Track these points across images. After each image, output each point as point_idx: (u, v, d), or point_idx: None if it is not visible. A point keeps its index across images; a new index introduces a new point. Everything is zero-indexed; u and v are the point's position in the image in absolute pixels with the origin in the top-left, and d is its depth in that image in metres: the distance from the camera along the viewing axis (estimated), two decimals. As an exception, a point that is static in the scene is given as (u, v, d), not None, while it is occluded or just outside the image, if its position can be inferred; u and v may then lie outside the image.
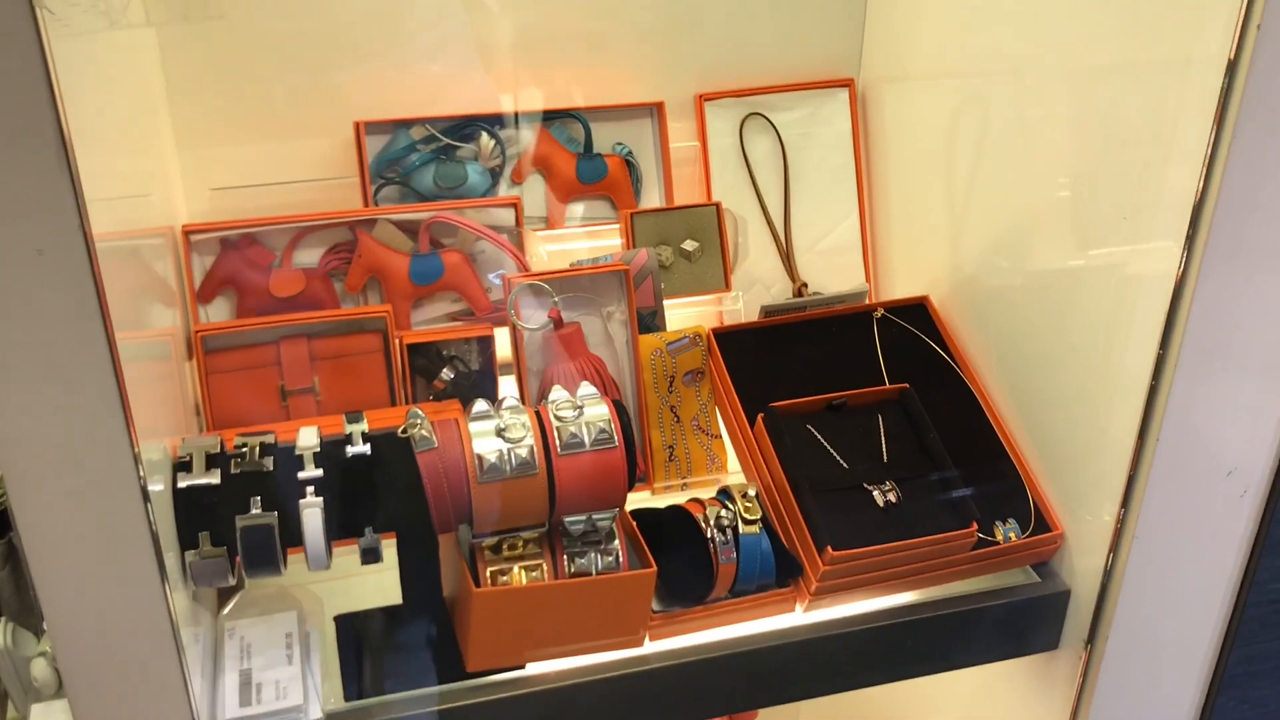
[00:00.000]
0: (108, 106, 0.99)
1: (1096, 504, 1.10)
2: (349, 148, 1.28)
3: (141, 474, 0.76)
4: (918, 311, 1.30)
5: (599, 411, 0.97)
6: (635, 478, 0.99)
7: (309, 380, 1.16)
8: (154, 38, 1.18)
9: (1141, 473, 1.05)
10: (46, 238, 0.67)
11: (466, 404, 1.15)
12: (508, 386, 1.20)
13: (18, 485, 0.75)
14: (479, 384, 1.20)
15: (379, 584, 1.04)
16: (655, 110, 1.37)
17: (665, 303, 1.28)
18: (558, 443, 0.95)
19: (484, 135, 1.31)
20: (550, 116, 1.34)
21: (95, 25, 0.76)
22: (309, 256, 1.24)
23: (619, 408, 0.98)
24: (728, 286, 1.34)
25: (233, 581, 0.93)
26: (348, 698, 1.00)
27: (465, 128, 1.31)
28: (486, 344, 1.20)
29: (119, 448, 0.74)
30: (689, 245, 1.32)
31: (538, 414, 0.97)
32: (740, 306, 1.35)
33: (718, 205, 1.33)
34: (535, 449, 0.94)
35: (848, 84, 1.44)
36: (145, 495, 0.77)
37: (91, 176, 0.87)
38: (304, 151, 1.30)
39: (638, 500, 1.19)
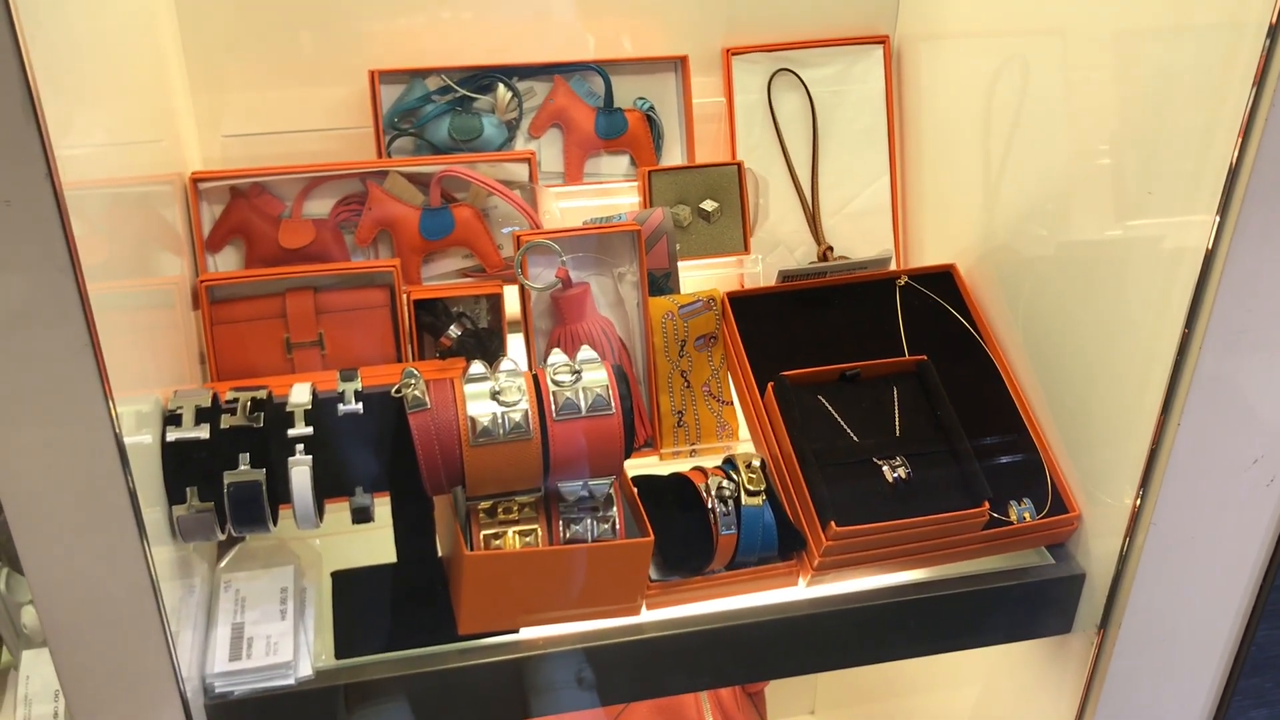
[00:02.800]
0: (114, 52, 0.98)
1: (1116, 486, 1.06)
2: (364, 97, 1.26)
3: (117, 429, 0.75)
4: (943, 280, 1.26)
5: (597, 377, 0.95)
6: (633, 445, 0.96)
7: (314, 334, 1.14)
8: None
9: (1162, 455, 1.01)
10: (13, 189, 0.65)
11: (472, 362, 1.13)
12: (516, 345, 1.18)
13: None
14: (487, 342, 1.18)
15: (384, 538, 1.03)
16: (679, 64, 1.33)
17: (682, 264, 1.25)
18: (553, 408, 0.93)
19: (501, 87, 1.28)
20: (570, 69, 1.31)
21: None
22: (320, 207, 1.22)
23: (619, 373, 0.96)
24: (747, 249, 1.30)
25: (222, 537, 0.93)
26: (339, 655, 0.99)
27: (482, 79, 1.28)
28: (495, 302, 1.18)
29: (93, 402, 0.74)
30: (708, 205, 1.29)
31: (535, 378, 0.95)
32: (760, 269, 1.32)
33: (739, 165, 1.29)
34: (530, 413, 0.92)
35: (882, 41, 1.39)
36: (122, 450, 0.76)
37: (92, 124, 0.86)
38: (319, 99, 1.28)
39: (643, 466, 1.17)
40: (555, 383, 0.94)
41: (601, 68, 1.31)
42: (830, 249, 1.38)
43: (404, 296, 1.16)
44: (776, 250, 1.38)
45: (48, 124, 0.66)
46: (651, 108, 1.33)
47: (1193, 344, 0.96)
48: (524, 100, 1.30)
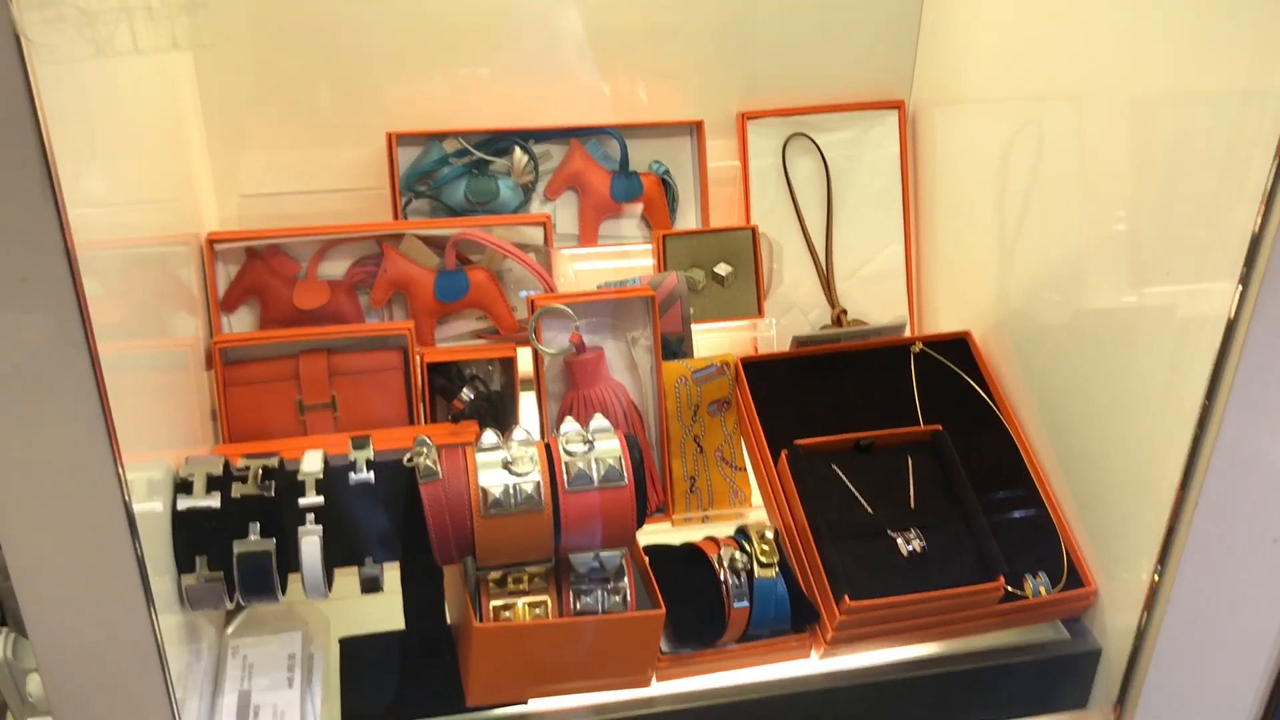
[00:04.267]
0: (131, 110, 0.99)
1: (1133, 561, 1.05)
2: (381, 158, 1.27)
3: (127, 497, 0.75)
4: (958, 347, 1.26)
5: (610, 447, 0.94)
6: (645, 516, 0.96)
7: (327, 395, 1.14)
8: (187, 43, 1.17)
9: (1181, 530, 1.00)
10: (31, 264, 0.65)
11: (484, 427, 1.13)
12: (529, 407, 1.18)
13: (2, 502, 0.74)
14: (499, 405, 1.18)
15: (391, 605, 1.02)
16: (694, 129, 1.34)
17: (695, 327, 1.25)
18: (565, 479, 0.92)
19: (517, 150, 1.29)
20: (586, 132, 1.31)
21: (81, 53, 0.74)
22: (335, 268, 1.23)
23: (631, 443, 0.95)
24: (761, 313, 1.30)
25: (230, 606, 0.92)
26: (345, 726, 0.98)
27: (499, 142, 1.29)
28: (508, 365, 1.18)
29: (103, 470, 0.73)
30: (722, 269, 1.29)
31: (548, 446, 0.95)
32: (774, 333, 1.31)
33: (754, 229, 1.29)
34: (542, 485, 0.91)
35: (897, 106, 1.40)
36: (131, 519, 0.76)
37: (110, 185, 0.87)
38: (337, 160, 1.29)
39: (656, 532, 1.16)
40: (568, 452, 0.94)
41: (617, 132, 1.31)
42: (844, 312, 1.38)
43: (417, 358, 1.16)
44: (790, 313, 1.38)
45: (62, 188, 0.66)
46: (667, 171, 1.34)
47: (1213, 416, 0.95)
48: (540, 163, 1.30)
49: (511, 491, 0.91)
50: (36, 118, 0.62)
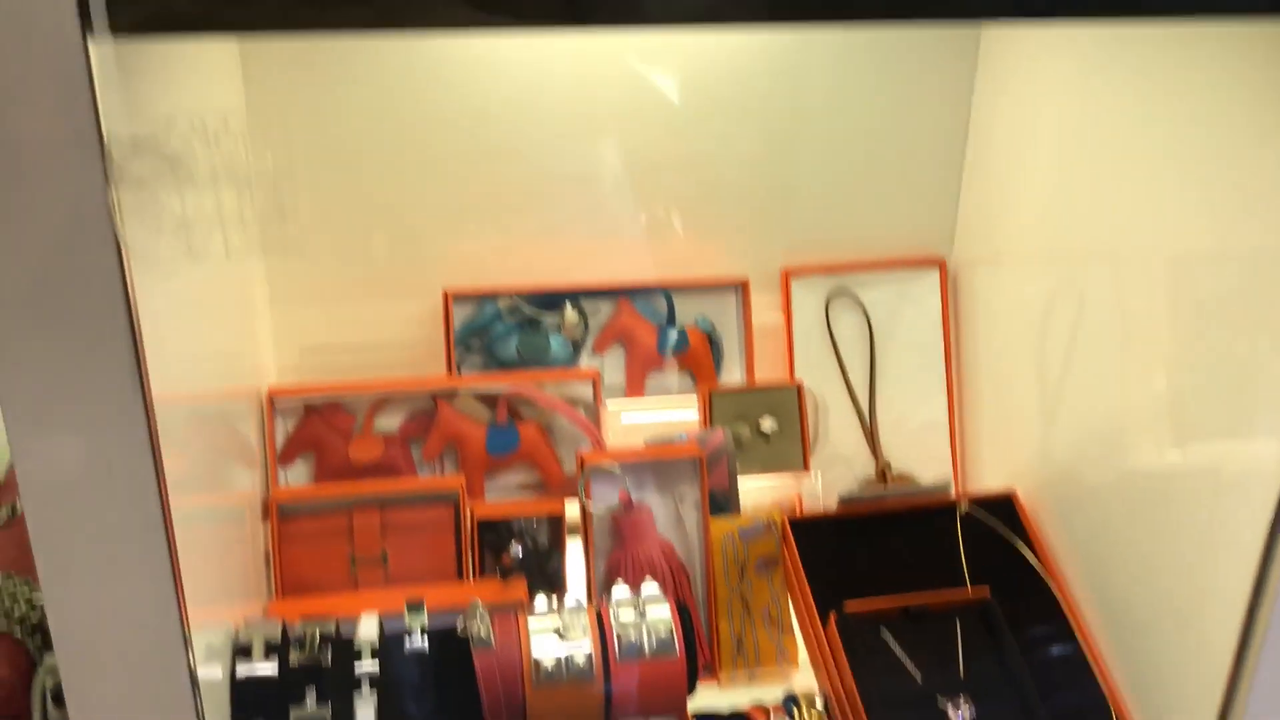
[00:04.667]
0: (209, 287, 1.03)
1: (1188, 734, 1.03)
2: (436, 312, 1.30)
3: (192, 666, 0.76)
4: (1004, 507, 1.26)
5: (661, 615, 0.95)
6: (696, 684, 0.96)
7: (378, 550, 1.16)
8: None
9: (1237, 705, 0.98)
10: (111, 427, 0.68)
11: (532, 582, 1.14)
12: (575, 556, 1.18)
13: (69, 666, 0.76)
14: (546, 561, 1.19)
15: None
16: (740, 288, 1.37)
17: (741, 479, 1.26)
18: (616, 649, 0.93)
19: (568, 307, 1.32)
20: (634, 291, 1.35)
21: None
22: (390, 421, 1.26)
23: (682, 611, 0.96)
24: (806, 469, 1.31)
25: (284, 771, 0.92)
26: None
27: (550, 299, 1.32)
28: (557, 523, 1.19)
29: (170, 637, 0.75)
30: (767, 425, 1.31)
31: (599, 614, 0.96)
32: (819, 487, 1.32)
33: (799, 386, 1.32)
34: (594, 655, 0.92)
35: (939, 264, 1.43)
36: (195, 687, 0.77)
37: (184, 345, 0.90)
38: (394, 313, 1.33)
39: (702, 693, 1.15)
40: (619, 621, 0.94)
41: (665, 290, 1.35)
42: (888, 466, 1.39)
43: (468, 514, 1.17)
44: (835, 466, 1.39)
45: (148, 367, 0.69)
46: (712, 327, 1.37)
47: (1269, 582, 0.94)
48: (589, 317, 1.34)
49: (563, 662, 0.92)
50: (131, 316, 0.66)
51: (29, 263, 0.63)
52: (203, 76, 0.99)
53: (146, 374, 0.66)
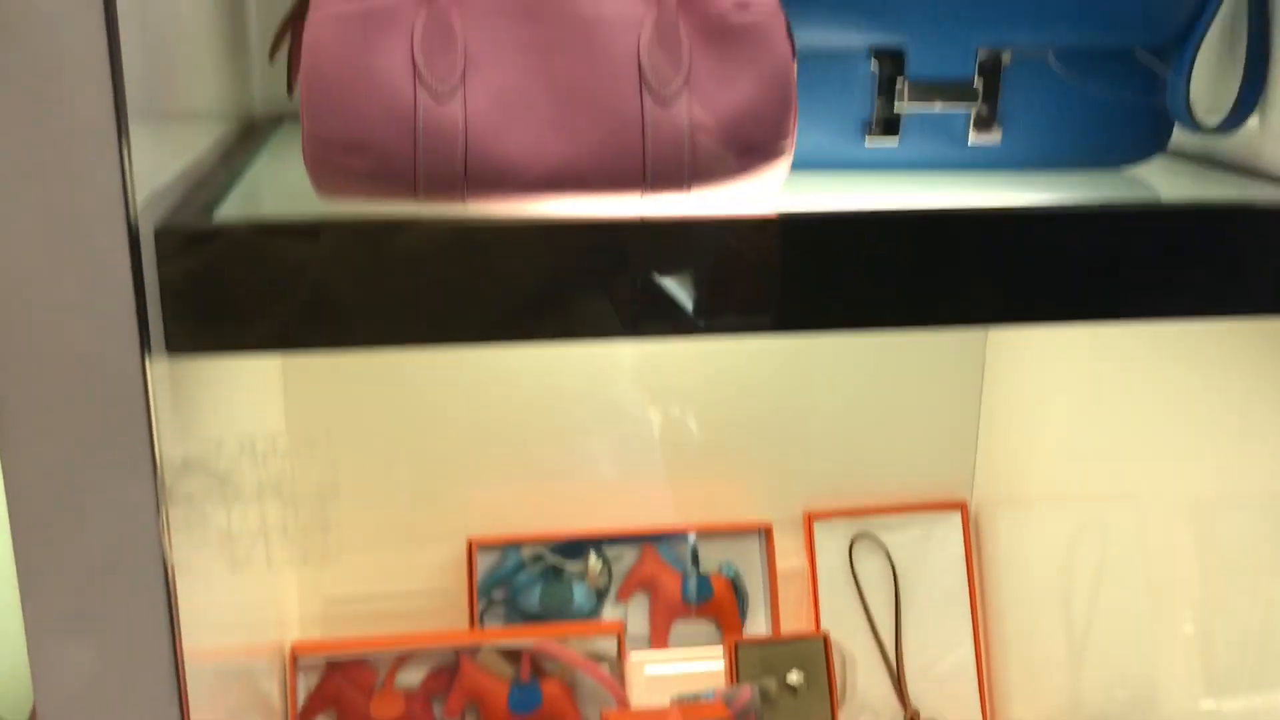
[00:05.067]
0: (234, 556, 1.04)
1: None
2: (460, 560, 1.31)
3: None
4: (1038, 762, 1.23)
5: None
6: None
7: (398, 818, 1.13)
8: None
9: None
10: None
11: None
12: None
13: None
14: (570, 828, 1.16)
15: None
16: (764, 534, 1.38)
17: (768, 733, 1.23)
18: None
19: (592, 555, 1.32)
20: (658, 538, 1.35)
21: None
22: (411, 677, 1.24)
23: None
24: (835, 723, 1.29)
25: None
26: None
27: (574, 547, 1.33)
28: (580, 787, 1.17)
29: None
30: (794, 678, 1.29)
31: None
32: (848, 742, 1.30)
33: (825, 637, 1.30)
34: None
35: (960, 506, 1.43)
36: None
37: (212, 605, 0.89)
38: (419, 562, 1.33)
39: None
40: None
41: (689, 537, 1.35)
42: (917, 714, 1.36)
43: (490, 779, 1.15)
44: (862, 716, 1.36)
45: (182, 630, 0.69)
46: (736, 574, 1.37)
47: None
48: (613, 564, 1.34)
49: None
50: (175, 642, 0.66)
51: (76, 581, 0.64)
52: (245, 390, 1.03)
53: (187, 700, 0.66)
